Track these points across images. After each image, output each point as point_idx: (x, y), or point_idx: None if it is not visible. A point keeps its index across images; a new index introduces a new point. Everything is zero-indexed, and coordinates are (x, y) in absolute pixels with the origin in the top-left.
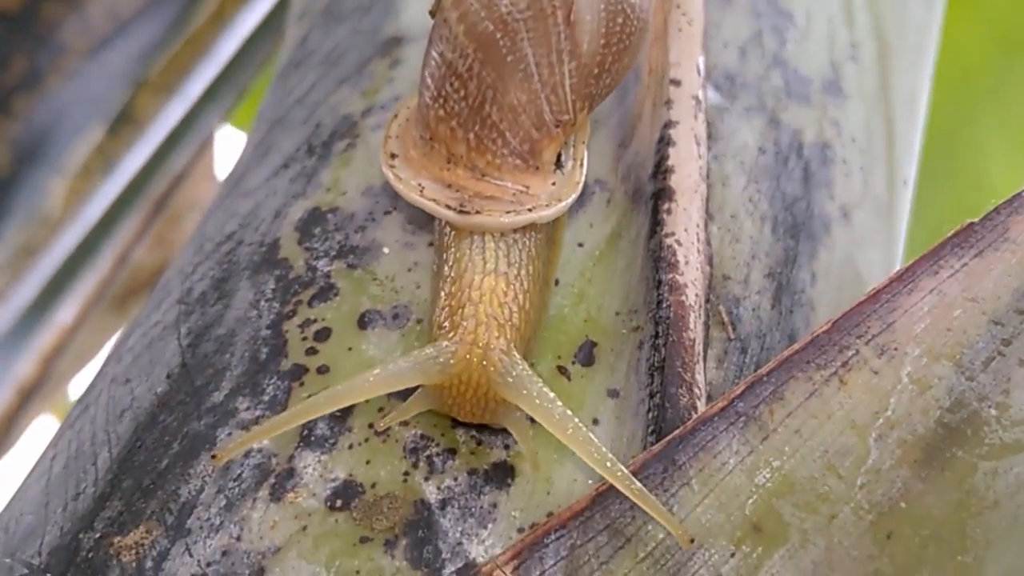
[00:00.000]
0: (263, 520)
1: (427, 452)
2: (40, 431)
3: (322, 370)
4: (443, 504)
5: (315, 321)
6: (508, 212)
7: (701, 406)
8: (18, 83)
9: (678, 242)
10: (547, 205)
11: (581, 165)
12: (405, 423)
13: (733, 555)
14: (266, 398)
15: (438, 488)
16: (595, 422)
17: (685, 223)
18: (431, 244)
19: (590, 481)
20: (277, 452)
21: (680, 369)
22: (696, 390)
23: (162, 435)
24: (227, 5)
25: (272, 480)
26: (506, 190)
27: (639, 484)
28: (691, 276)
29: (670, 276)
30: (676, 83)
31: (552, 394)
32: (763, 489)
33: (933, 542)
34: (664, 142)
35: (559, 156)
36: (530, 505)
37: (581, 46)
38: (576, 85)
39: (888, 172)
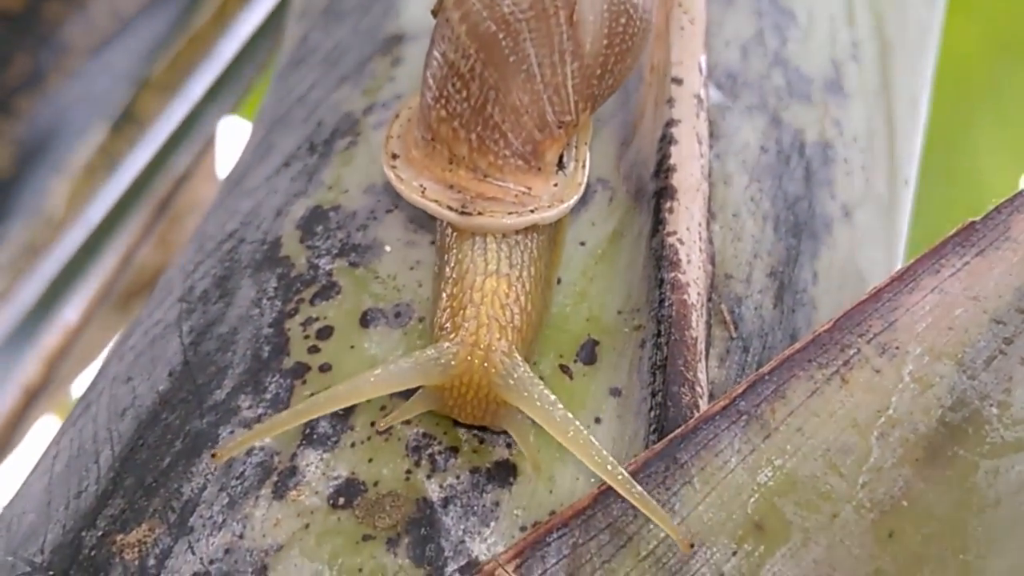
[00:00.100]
0: (266, 518)
1: (429, 450)
2: (44, 431)
3: (324, 368)
4: (445, 502)
5: (317, 319)
6: (510, 213)
7: (703, 405)
8: (21, 83)
9: (680, 241)
10: (549, 206)
11: (583, 166)
12: (407, 421)
13: (735, 553)
14: (268, 396)
15: (440, 486)
16: (597, 421)
17: (687, 222)
18: (433, 242)
19: (592, 480)
20: (279, 450)
21: (682, 368)
22: (698, 389)
23: (164, 433)
24: (229, 4)
25: (274, 478)
26: (508, 191)
27: (640, 488)
28: (693, 275)
29: (672, 275)
30: (678, 81)
31: (553, 397)
32: (765, 487)
33: (935, 540)
34: (666, 140)
35: (561, 157)
36: (532, 504)
37: (584, 46)
38: (578, 86)
39: (889, 171)
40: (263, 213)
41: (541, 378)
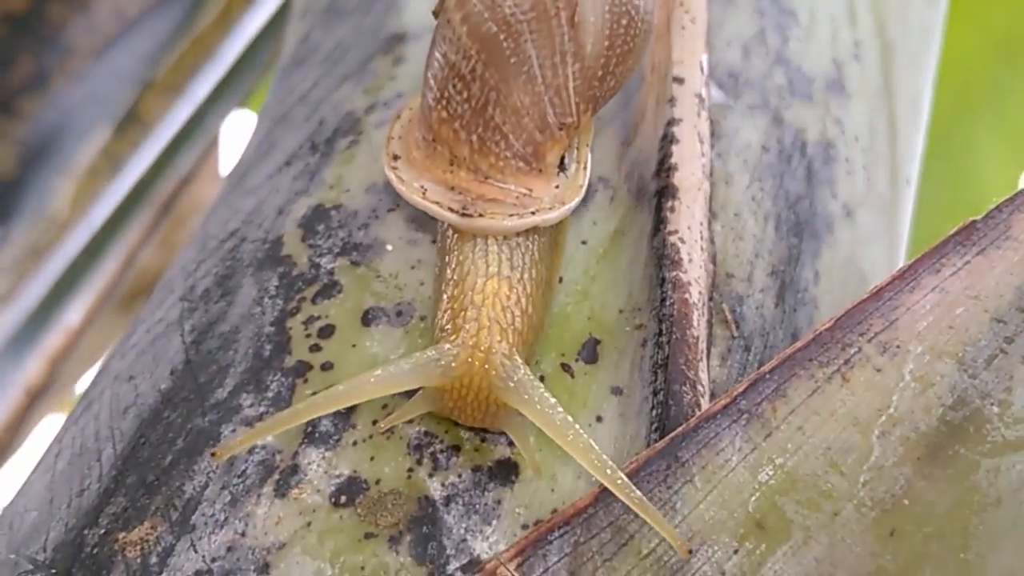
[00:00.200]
0: (268, 516)
1: (431, 449)
2: (47, 432)
3: (326, 367)
4: (447, 500)
5: (319, 318)
6: (511, 215)
7: (704, 403)
8: (25, 84)
9: (681, 240)
10: (550, 208)
11: (585, 168)
12: (409, 420)
13: (736, 552)
14: (270, 395)
15: (442, 485)
16: (599, 419)
17: (688, 221)
18: (434, 241)
19: (593, 479)
20: (281, 449)
21: (683, 366)
22: (699, 387)
23: (166, 431)
24: (233, 6)
25: (276, 476)
26: (509, 193)
27: (639, 493)
28: (694, 274)
29: (673, 274)
30: (679, 81)
31: (553, 400)
32: (766, 486)
33: (936, 539)
34: (668, 140)
35: (563, 159)
36: (534, 502)
37: (585, 48)
38: (580, 87)
39: (891, 171)
40: (265, 212)
41: (542, 377)
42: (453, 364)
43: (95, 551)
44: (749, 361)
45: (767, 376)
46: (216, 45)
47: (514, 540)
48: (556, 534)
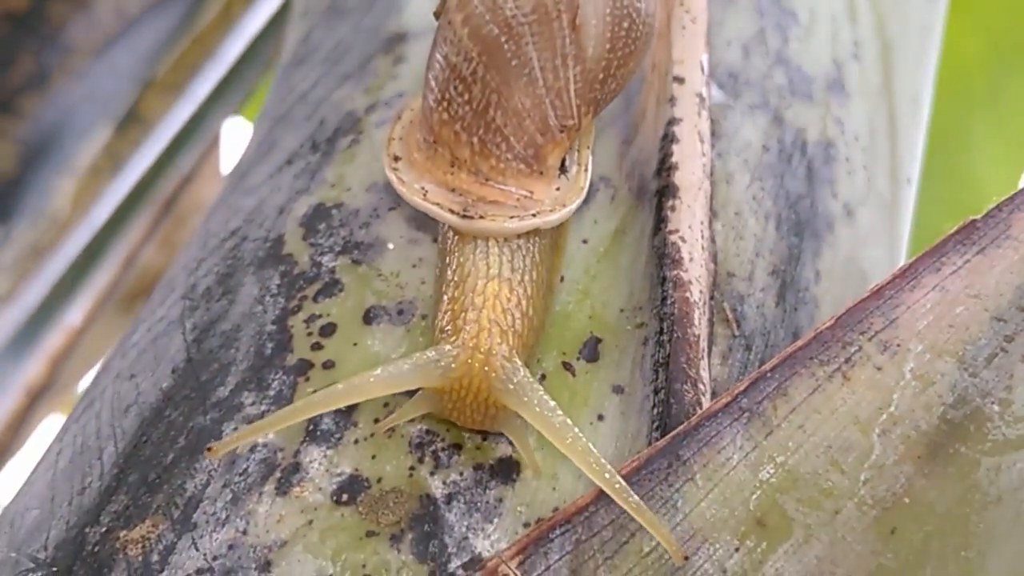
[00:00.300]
0: (269, 514)
1: (433, 447)
2: (48, 432)
3: (327, 365)
4: (449, 499)
5: (320, 316)
6: (512, 217)
7: (705, 402)
8: (26, 83)
9: (682, 239)
10: (551, 210)
11: (586, 170)
12: (410, 419)
13: (737, 550)
14: (271, 393)
15: (444, 483)
16: (600, 418)
17: (689, 220)
18: (435, 240)
19: None
20: (283, 447)
21: (685, 365)
22: (701, 386)
23: (168, 430)
24: (234, 5)
25: (278, 474)
26: (510, 195)
27: (636, 497)
28: (695, 273)
29: (674, 273)
30: (680, 80)
31: (553, 403)
32: (767, 484)
33: (936, 538)
34: (668, 139)
35: (564, 161)
36: (536, 500)
37: (586, 50)
38: (581, 90)
39: (891, 170)
40: (266, 211)
41: (544, 376)
42: (453, 365)
43: (96, 549)
44: (750, 360)
45: (768, 375)
46: (217, 44)
47: (515, 538)
48: (557, 532)
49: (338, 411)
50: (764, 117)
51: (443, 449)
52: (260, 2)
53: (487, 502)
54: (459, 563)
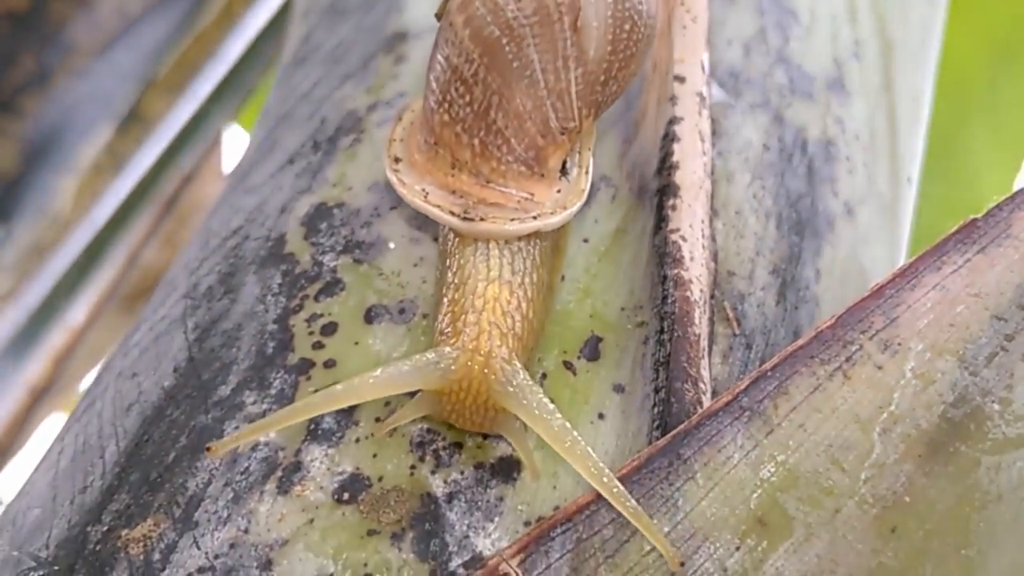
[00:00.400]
0: (270, 513)
1: (434, 446)
2: (50, 431)
3: (329, 364)
4: (450, 497)
5: (321, 315)
6: (512, 220)
7: (706, 401)
8: (27, 82)
9: (683, 238)
10: (552, 213)
11: (587, 172)
12: None
13: (738, 548)
14: (273, 392)
15: (445, 481)
16: (601, 417)
17: (690, 219)
18: (436, 239)
19: None
20: (284, 446)
21: (685, 364)
22: (701, 385)
23: (169, 429)
24: (235, 5)
25: (279, 473)
26: (511, 197)
27: (634, 502)
28: (696, 272)
29: (675, 272)
30: (680, 80)
31: (552, 405)
32: (768, 483)
33: (937, 536)
34: (669, 138)
35: (565, 163)
36: (536, 499)
37: (588, 53)
38: (582, 92)
39: (892, 169)
40: (267, 210)
41: (544, 375)
42: (452, 367)
43: (98, 548)
44: (751, 359)
45: (769, 373)
46: (218, 43)
47: (516, 537)
48: (558, 531)
49: (339, 410)
50: (765, 116)
51: (444, 448)
52: (261, 2)
53: (488, 501)
54: (460, 562)
